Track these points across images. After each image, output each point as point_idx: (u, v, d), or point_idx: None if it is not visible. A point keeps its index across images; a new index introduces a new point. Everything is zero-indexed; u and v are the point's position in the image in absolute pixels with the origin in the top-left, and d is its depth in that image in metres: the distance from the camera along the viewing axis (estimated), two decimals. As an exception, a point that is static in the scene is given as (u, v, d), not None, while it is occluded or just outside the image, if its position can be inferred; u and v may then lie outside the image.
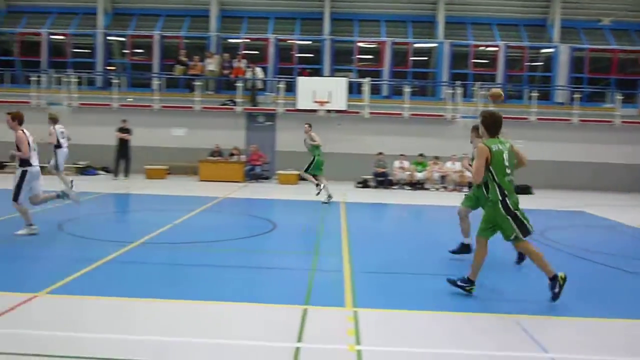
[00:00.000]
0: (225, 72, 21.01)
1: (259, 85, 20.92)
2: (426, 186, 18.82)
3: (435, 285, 6.53)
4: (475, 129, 7.78)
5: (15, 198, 8.70)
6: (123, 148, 18.81)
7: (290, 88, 20.30)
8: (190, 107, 20.26)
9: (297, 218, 12.43)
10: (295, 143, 20.50)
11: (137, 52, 23.16)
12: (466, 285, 6.14)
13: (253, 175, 19.38)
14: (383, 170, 18.84)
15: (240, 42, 22.38)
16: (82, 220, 10.51)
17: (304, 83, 19.69)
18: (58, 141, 14.28)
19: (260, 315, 5.40)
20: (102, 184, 16.88)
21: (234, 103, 20.33)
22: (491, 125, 6.03)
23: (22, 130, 8.88)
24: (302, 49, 22.78)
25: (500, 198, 5.90)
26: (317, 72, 21.79)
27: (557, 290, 5.84)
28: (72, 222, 10.05)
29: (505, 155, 5.95)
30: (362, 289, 6.37)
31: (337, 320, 5.29)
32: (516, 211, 5.90)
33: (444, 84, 21.33)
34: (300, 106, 19.53)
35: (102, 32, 22.17)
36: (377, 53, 22.23)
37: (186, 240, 9.02)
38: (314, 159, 14.15)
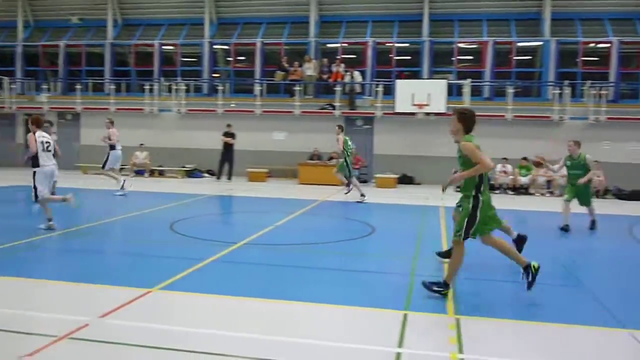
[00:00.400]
0: (324, 76, 21.32)
1: (357, 89, 21.03)
2: (530, 191, 18.03)
3: (543, 295, 6.24)
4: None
5: (35, 198, 9.37)
6: (227, 152, 19.58)
7: (389, 91, 20.22)
8: (290, 112, 20.74)
9: (396, 222, 12.35)
10: (393, 146, 20.44)
11: (240, 60, 24.08)
12: (442, 290, 6.02)
13: (351, 178, 19.46)
14: (484, 174, 18.25)
15: (339, 47, 22.61)
16: (190, 221, 11.05)
17: (402, 86, 19.53)
18: (114, 143, 15.10)
19: (359, 318, 5.42)
20: (207, 186, 17.69)
21: (333, 107, 20.57)
22: (470, 122, 6.15)
23: (34, 133, 9.38)
24: (401, 52, 22.63)
25: (473, 195, 5.95)
26: (415, 75, 21.55)
27: (530, 279, 5.98)
28: (182, 223, 10.60)
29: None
30: (464, 296, 6.22)
31: (438, 327, 5.20)
32: (479, 212, 5.92)
33: (551, 83, 20.35)
34: (398, 109, 19.39)
35: (208, 41, 23.24)
36: (478, 53, 21.63)
37: (287, 242, 9.23)
38: (345, 162, 14.79)
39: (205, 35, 23.45)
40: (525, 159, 18.34)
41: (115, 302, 5.52)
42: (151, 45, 23.65)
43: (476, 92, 20.56)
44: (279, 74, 21.69)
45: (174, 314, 5.40)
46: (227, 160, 19.65)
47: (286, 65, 21.67)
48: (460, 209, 6.35)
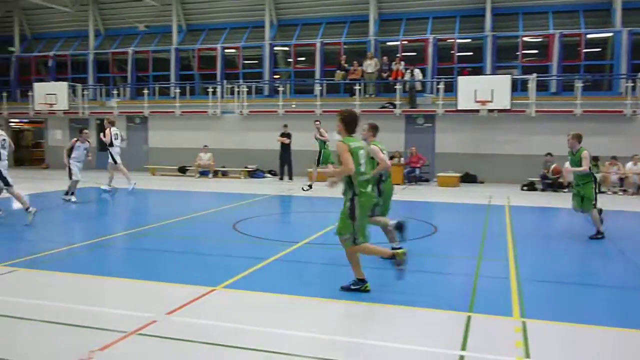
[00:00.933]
0: (384, 75, 21.18)
1: (418, 86, 20.77)
2: (602, 189, 17.25)
3: (615, 298, 5.96)
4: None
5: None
6: (284, 152, 19.78)
7: (450, 88, 19.86)
8: (351, 111, 20.69)
9: (459, 221, 12.11)
10: (455, 144, 20.06)
11: (300, 60, 24.27)
12: (359, 287, 6.03)
13: (412, 177, 19.26)
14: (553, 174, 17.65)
15: (399, 44, 22.40)
16: (252, 220, 11.23)
17: (464, 82, 19.12)
18: (111, 141, 15.67)
19: (422, 319, 5.35)
20: (268, 187, 17.94)
21: (393, 106, 20.40)
22: (350, 123, 6.14)
23: None
24: (463, 48, 22.17)
25: (350, 197, 6.00)
26: (478, 71, 21.06)
27: (401, 267, 5.91)
28: (244, 223, 10.78)
29: (361, 153, 6.03)
30: (531, 298, 6.01)
31: (503, 330, 5.05)
32: (357, 215, 5.95)
33: (623, 76, 19.39)
34: (461, 106, 19.01)
35: (268, 43, 23.55)
36: (544, 47, 20.91)
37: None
38: (321, 152, 16.24)
39: (265, 37, 23.78)
40: (595, 157, 17.57)
41: (181, 299, 5.68)
42: (214, 49, 24.20)
43: (542, 87, 19.88)
44: (339, 74, 21.72)
45: (237, 312, 5.49)
46: (284, 160, 19.86)
47: (345, 64, 21.67)
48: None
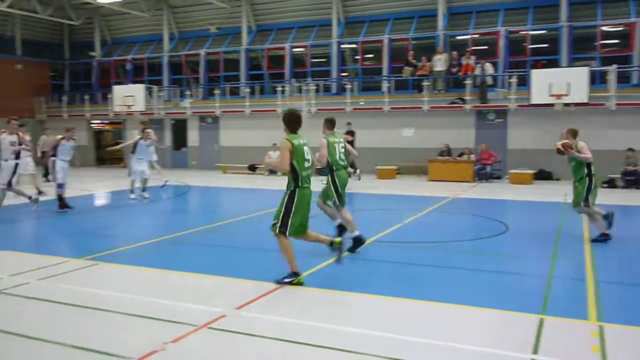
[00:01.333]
0: (454, 70, 20.75)
1: (489, 81, 20.22)
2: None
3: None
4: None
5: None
6: None
7: (523, 82, 19.20)
8: (419, 108, 20.46)
9: (532, 220, 11.71)
10: (528, 140, 19.40)
11: (367, 57, 24.18)
12: (292, 279, 6.21)
13: (483, 174, 18.79)
14: (634, 168, 16.74)
15: (469, 38, 21.88)
16: (319, 218, 11.28)
17: (538, 76, 18.43)
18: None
19: (492, 321, 5.22)
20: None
21: (463, 101, 19.97)
22: (292, 122, 6.37)
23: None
24: (536, 40, 21.38)
25: (292, 189, 6.27)
26: (553, 63, 20.24)
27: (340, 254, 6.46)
28: (311, 220, 10.84)
29: (305, 150, 6.30)
30: (609, 301, 5.74)
31: (578, 334, 4.85)
32: (294, 208, 6.26)
33: None
34: (534, 101, 18.34)
35: (336, 41, 23.61)
36: (624, 36, 19.81)
37: (416, 239, 9.13)
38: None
39: (333, 35, 23.85)
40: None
41: (250, 295, 5.81)
42: (282, 49, 24.53)
43: (623, 78, 18.86)
44: (407, 70, 21.48)
45: (304, 308, 5.55)
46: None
47: (413, 60, 21.40)
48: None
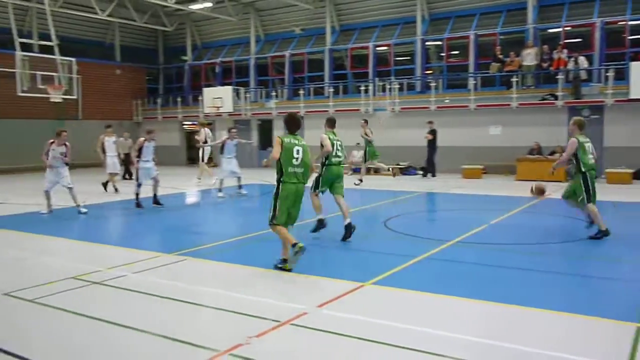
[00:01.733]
0: (544, 65, 19.89)
1: (583, 75, 19.21)
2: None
3: None
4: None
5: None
6: (429, 148, 19.54)
7: (622, 76, 18.10)
8: (507, 105, 19.79)
9: (629, 222, 11.01)
10: (627, 137, 18.27)
11: (453, 54, 23.68)
12: (282, 265, 6.86)
13: (576, 173, 17.86)
14: None
15: (560, 31, 20.88)
16: (403, 217, 11.23)
17: (638, 69, 17.29)
18: (205, 140, 17.77)
19: (582, 328, 4.97)
20: (420, 183, 17.78)
21: (555, 97, 19.09)
22: (289, 123, 7.12)
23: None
24: (636, 30, 20.05)
25: (277, 184, 6.90)
26: (655, 55, 18.92)
27: (296, 256, 6.65)
28: (395, 220, 10.82)
29: (296, 149, 6.87)
30: None
31: (680, 345, 4.52)
32: (278, 200, 6.86)
33: None
34: (634, 95, 17.23)
35: (420, 38, 23.30)
36: None
37: (502, 241, 8.85)
38: (366, 150, 17.62)
39: (417, 32, 23.55)
40: None
41: (331, 293, 5.87)
42: (366, 48, 24.53)
43: None
44: (494, 66, 20.82)
45: (385, 308, 5.54)
46: (429, 156, 19.63)
47: (500, 56, 20.71)
48: None
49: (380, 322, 5.07)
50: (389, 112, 22.23)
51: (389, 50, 24.40)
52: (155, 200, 12.73)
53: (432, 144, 19.48)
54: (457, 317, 5.25)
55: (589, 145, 8.77)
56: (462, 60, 23.05)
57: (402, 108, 22.03)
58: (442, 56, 23.71)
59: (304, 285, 6.42)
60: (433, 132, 19.37)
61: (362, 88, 23.05)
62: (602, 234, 8.68)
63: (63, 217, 11.68)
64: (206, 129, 18.77)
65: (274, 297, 5.83)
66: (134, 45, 31.28)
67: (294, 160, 6.87)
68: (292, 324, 5.00)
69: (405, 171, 21.31)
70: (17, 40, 20.35)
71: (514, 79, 19.70)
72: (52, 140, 12.03)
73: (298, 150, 6.91)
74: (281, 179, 6.89)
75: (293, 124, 7.14)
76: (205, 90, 26.71)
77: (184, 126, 30.09)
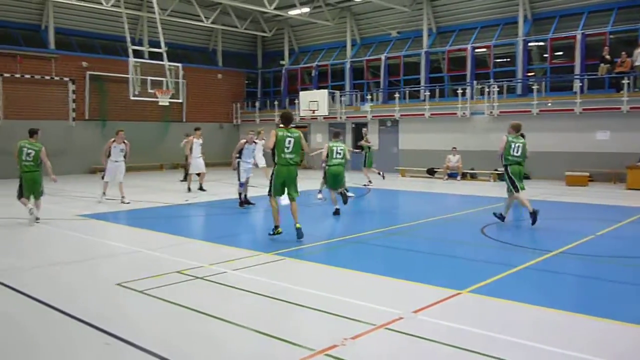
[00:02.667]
0: (661, 65, 18.52)
1: None
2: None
3: None
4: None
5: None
6: None
7: None
8: (617, 108, 18.63)
9: None
10: None
11: (557, 55, 22.61)
12: (273, 232, 9.14)
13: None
14: None
15: (681, 29, 19.36)
16: (501, 225, 10.87)
17: None
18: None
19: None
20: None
21: (671, 100, 17.73)
22: (283, 119, 9.17)
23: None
24: None
25: (273, 166, 8.95)
26: None
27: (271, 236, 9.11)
28: (493, 227, 10.51)
29: (288, 140, 8.82)
30: None
31: None
32: (273, 178, 8.98)
33: None
34: None
35: (522, 39, 22.43)
36: None
37: (609, 253, 8.35)
38: (366, 155, 18.86)
39: (519, 33, 22.69)
40: None
41: (427, 299, 5.81)
42: (464, 49, 23.97)
43: None
44: (603, 67, 19.64)
45: (483, 318, 5.40)
46: None
47: (609, 57, 19.50)
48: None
49: (477, 331, 4.95)
50: (487, 115, 21.58)
51: (488, 52, 23.70)
52: (246, 200, 13.26)
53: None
54: (562, 332, 5.01)
55: (516, 145, 10.64)
56: (567, 61, 21.93)
57: (501, 112, 21.31)
58: (546, 57, 22.68)
59: (400, 289, 6.40)
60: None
61: (459, 91, 22.55)
62: (533, 216, 10.26)
63: (169, 215, 12.36)
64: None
65: (369, 300, 5.86)
66: (235, 51, 32.51)
67: (285, 149, 8.82)
68: (387, 328, 5.00)
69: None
70: (130, 48, 21.76)
71: (625, 81, 18.49)
72: (112, 139, 14.17)
73: (290, 141, 8.83)
74: (275, 162, 8.89)
75: (286, 119, 9.10)
76: (302, 93, 27.24)
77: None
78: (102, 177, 14.42)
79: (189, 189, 16.64)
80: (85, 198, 15.11)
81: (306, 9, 26.72)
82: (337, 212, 11.87)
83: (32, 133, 11.29)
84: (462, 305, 5.78)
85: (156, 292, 6.15)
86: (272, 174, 8.95)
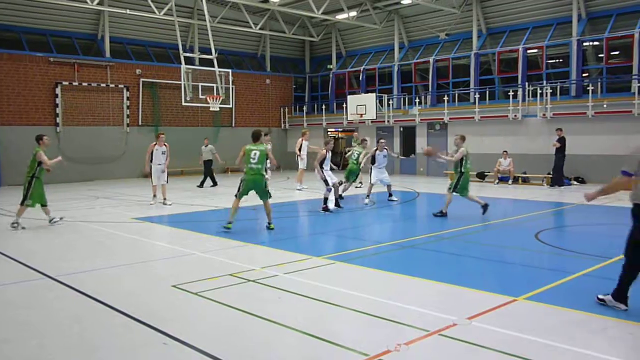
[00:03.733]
0: None
1: None
2: None
3: None
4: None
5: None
6: (558, 157, 18.66)
7: None
8: (679, 109, 17.85)
9: None
10: None
11: (613, 55, 21.85)
12: (227, 225, 10.51)
13: None
14: None
15: None
16: (557, 230, 10.60)
17: None
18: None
19: None
20: (575, 195, 16.61)
21: None
22: (253, 136, 10.75)
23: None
24: None
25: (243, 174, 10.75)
26: None
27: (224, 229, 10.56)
28: (548, 232, 10.24)
29: (254, 152, 10.48)
30: None
31: None
32: (241, 182, 10.65)
33: None
34: None
35: (576, 39, 21.79)
36: None
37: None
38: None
39: (573, 33, 22.05)
40: None
41: (481, 306, 5.71)
42: (515, 51, 23.46)
43: None
44: (664, 67, 18.88)
45: (540, 326, 5.24)
46: (557, 165, 18.84)
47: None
48: None
49: (534, 339, 4.83)
50: (540, 118, 21.05)
51: (540, 52, 23.11)
52: (337, 202, 13.90)
53: (560, 153, 18.59)
54: (625, 342, 4.84)
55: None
56: (624, 61, 21.16)
57: (555, 114, 20.75)
58: (601, 57, 21.95)
59: (453, 295, 6.31)
60: (562, 141, 18.35)
61: (511, 93, 22.08)
62: (441, 214, 12.13)
63: (221, 218, 12.56)
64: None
65: (422, 305, 5.80)
66: (283, 56, 32.82)
67: (251, 160, 10.44)
68: (441, 334, 4.95)
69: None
70: (182, 55, 22.29)
71: (688, 81, 17.72)
72: (154, 143, 14.90)
73: (255, 153, 10.45)
74: (244, 171, 10.57)
75: (254, 137, 10.69)
76: (350, 97, 27.24)
77: (328, 132, 30.94)
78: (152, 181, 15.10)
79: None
80: (140, 202, 15.53)
81: (353, 13, 26.74)
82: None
83: (38, 139, 11.34)
84: (518, 313, 5.65)
85: (210, 294, 6.27)
86: (241, 181, 10.67)
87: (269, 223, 10.75)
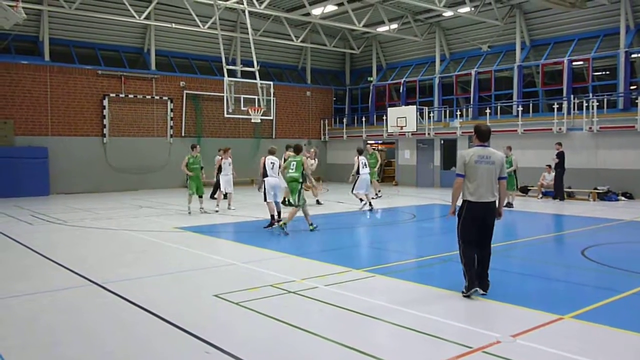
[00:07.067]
0: None
1: None
2: None
3: None
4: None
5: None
6: (558, 171, 19.00)
7: None
8: None
9: None
10: None
11: (664, 67, 21.20)
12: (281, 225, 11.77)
13: None
14: None
15: None
16: (604, 247, 10.29)
17: None
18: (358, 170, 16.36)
19: None
20: (623, 211, 16.12)
21: None
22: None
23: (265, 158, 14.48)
24: None
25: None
26: None
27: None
28: (595, 249, 9.95)
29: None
30: None
31: None
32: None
33: None
34: None
35: (624, 51, 21.23)
36: None
37: None
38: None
39: (620, 45, 21.49)
40: None
41: (526, 323, 5.58)
42: (560, 63, 23.00)
43: None
44: None
45: (588, 346, 5.09)
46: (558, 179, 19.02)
47: None
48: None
49: (581, 358, 4.69)
50: (586, 131, 20.54)
51: (586, 64, 22.60)
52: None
53: (560, 168, 18.86)
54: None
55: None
56: (676, 73, 20.50)
57: (602, 127, 20.22)
58: (651, 69, 21.32)
59: (496, 311, 6.20)
60: (560, 156, 18.73)
61: (555, 106, 21.63)
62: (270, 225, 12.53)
63: (260, 229, 12.68)
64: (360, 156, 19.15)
65: (464, 321, 5.72)
66: (323, 68, 33.03)
67: (290, 170, 11.70)
68: (484, 352, 4.85)
69: (605, 196, 19.47)
70: (225, 68, 22.68)
71: None
72: (221, 158, 17.15)
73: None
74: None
75: (296, 150, 12.13)
76: (390, 109, 27.15)
77: (368, 145, 30.86)
78: (211, 195, 17.65)
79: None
80: (182, 211, 15.79)
81: (394, 25, 26.73)
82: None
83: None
84: (564, 331, 5.49)
85: (251, 305, 6.32)
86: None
87: (284, 224, 11.69)
